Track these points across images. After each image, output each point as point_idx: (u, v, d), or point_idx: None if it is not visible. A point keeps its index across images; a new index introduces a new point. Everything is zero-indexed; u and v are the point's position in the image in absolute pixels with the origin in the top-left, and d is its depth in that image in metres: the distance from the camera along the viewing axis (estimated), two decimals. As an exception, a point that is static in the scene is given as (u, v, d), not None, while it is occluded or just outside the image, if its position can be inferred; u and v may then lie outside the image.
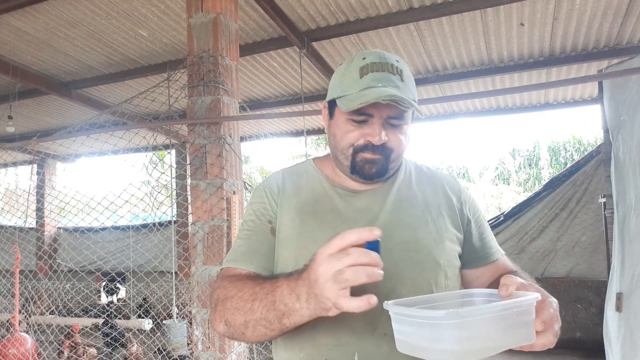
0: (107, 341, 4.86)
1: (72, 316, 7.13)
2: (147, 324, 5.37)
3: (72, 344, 4.50)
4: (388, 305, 0.67)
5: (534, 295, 0.63)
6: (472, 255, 1.03)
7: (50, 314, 6.48)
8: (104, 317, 5.35)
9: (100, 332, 5.31)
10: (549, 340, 0.66)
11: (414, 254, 0.92)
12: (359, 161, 0.95)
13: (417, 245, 0.93)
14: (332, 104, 0.99)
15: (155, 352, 4.53)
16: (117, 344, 4.83)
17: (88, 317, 6.61)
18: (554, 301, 0.69)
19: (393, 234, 0.93)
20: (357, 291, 0.64)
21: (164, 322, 5.18)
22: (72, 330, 4.66)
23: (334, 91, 0.97)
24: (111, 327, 5.18)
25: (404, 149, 0.98)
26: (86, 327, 5.12)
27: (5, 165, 8.76)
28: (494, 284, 0.99)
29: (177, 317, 5.01)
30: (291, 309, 0.71)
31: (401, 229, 0.94)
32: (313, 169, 1.06)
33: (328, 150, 1.06)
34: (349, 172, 0.98)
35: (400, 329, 0.65)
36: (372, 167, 0.94)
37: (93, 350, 4.56)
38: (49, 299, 6.46)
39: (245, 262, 0.95)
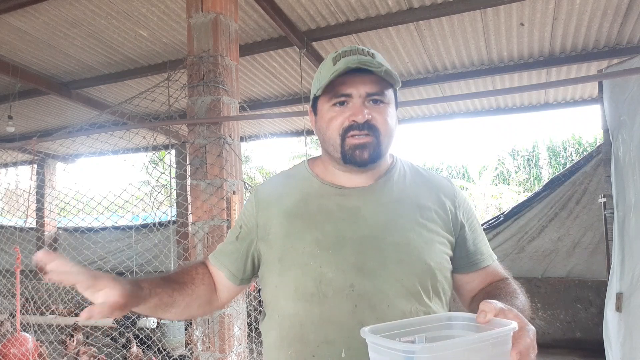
0: (108, 341, 4.85)
1: (72, 316, 7.11)
2: (152, 322, 5.35)
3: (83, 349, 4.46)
4: (365, 333, 0.67)
5: (512, 325, 0.63)
6: (463, 260, 1.02)
7: (50, 314, 6.47)
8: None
9: (100, 332, 5.30)
10: None
11: (404, 255, 0.92)
12: (348, 149, 0.93)
13: (408, 247, 0.93)
14: (314, 105, 1.01)
15: (155, 352, 4.53)
16: (117, 344, 4.82)
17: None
18: (531, 329, 0.68)
19: (383, 234, 0.93)
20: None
21: (162, 321, 5.17)
22: (73, 329, 4.66)
23: (313, 89, 1.00)
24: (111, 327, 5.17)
25: (392, 131, 0.96)
26: (86, 327, 5.11)
27: (5, 165, 8.76)
28: (483, 290, 1.00)
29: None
30: None
31: (392, 230, 0.94)
32: (305, 170, 1.07)
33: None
34: (342, 162, 0.96)
35: (376, 358, 0.65)
36: (363, 151, 0.92)
37: (92, 351, 4.55)
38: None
39: (215, 259, 1.11)
